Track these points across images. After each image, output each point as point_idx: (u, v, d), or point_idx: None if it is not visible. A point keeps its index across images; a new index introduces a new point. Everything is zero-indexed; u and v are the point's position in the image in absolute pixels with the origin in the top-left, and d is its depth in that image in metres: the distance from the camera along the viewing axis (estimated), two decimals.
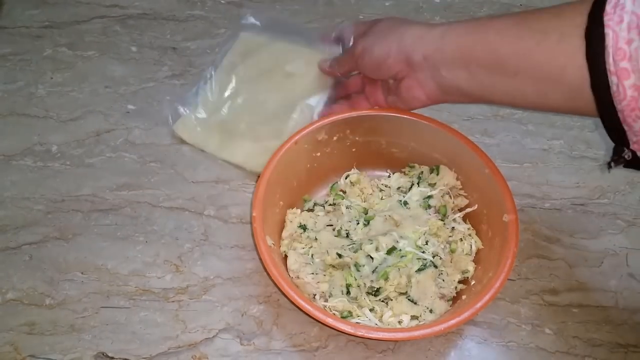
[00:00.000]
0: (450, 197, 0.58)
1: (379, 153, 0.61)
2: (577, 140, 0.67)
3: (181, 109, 0.66)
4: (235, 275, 0.57)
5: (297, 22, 0.76)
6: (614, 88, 0.39)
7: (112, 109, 0.69)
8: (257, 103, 0.66)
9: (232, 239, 0.59)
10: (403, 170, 0.61)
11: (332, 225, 0.57)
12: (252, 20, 0.71)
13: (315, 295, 0.53)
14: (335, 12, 0.80)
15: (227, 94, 0.67)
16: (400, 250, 0.53)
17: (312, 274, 0.53)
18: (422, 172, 0.59)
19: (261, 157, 0.59)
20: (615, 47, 0.38)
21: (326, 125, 0.58)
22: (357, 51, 0.54)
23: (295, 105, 0.64)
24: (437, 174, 0.58)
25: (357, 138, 0.60)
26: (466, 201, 0.58)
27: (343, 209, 0.58)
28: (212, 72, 0.68)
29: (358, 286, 0.52)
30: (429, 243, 0.54)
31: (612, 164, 0.43)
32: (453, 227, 0.56)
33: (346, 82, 0.62)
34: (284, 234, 0.57)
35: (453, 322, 0.47)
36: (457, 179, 0.58)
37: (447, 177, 0.58)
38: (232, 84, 0.67)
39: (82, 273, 0.56)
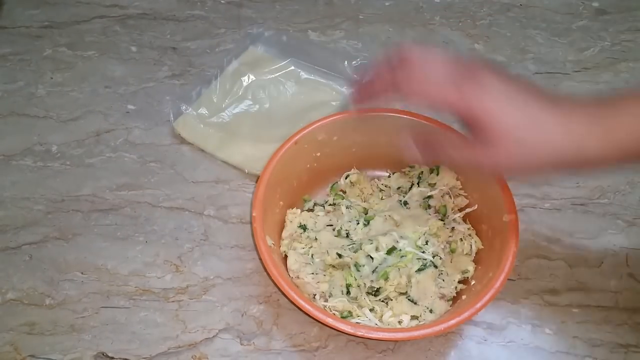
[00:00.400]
0: (450, 197, 0.58)
1: (379, 153, 0.61)
2: None
3: (183, 107, 0.66)
4: (235, 275, 0.57)
5: (305, 39, 0.76)
6: None
7: (112, 109, 0.69)
8: (262, 110, 0.67)
9: (232, 239, 0.59)
10: (403, 170, 0.61)
11: (332, 225, 0.57)
12: (260, 32, 0.73)
13: (315, 295, 0.53)
14: (335, 12, 0.80)
15: (231, 97, 0.68)
16: (400, 250, 0.53)
17: (312, 274, 0.53)
18: (422, 172, 0.59)
19: (260, 161, 0.60)
20: None
21: (326, 125, 0.58)
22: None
23: (302, 116, 0.65)
24: (437, 174, 0.58)
25: (357, 138, 0.60)
26: (466, 201, 0.58)
27: (343, 209, 0.58)
28: (218, 75, 0.69)
29: (358, 286, 0.52)
30: (429, 243, 0.54)
31: None
32: (453, 227, 0.56)
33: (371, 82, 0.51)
34: (284, 234, 0.57)
35: (453, 322, 0.47)
36: (457, 179, 0.58)
37: (447, 177, 0.58)
38: (238, 89, 0.68)
39: (82, 273, 0.56)
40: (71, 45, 0.75)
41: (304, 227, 0.57)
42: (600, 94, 0.71)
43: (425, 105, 0.47)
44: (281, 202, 0.57)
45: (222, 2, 0.80)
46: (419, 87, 0.45)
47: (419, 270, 0.52)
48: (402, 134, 0.49)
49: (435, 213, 0.57)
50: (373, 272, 0.52)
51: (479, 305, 0.47)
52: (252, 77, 0.69)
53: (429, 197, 0.57)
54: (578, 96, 0.45)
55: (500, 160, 0.44)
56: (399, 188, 0.59)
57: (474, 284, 0.53)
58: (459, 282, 0.53)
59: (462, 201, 0.58)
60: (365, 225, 0.56)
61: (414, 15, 0.80)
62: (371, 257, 0.53)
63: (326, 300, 0.52)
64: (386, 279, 0.51)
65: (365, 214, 0.57)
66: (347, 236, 0.56)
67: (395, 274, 0.52)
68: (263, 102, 0.68)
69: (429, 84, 0.45)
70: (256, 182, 0.57)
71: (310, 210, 0.59)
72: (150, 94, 0.70)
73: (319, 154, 0.59)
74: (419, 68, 0.45)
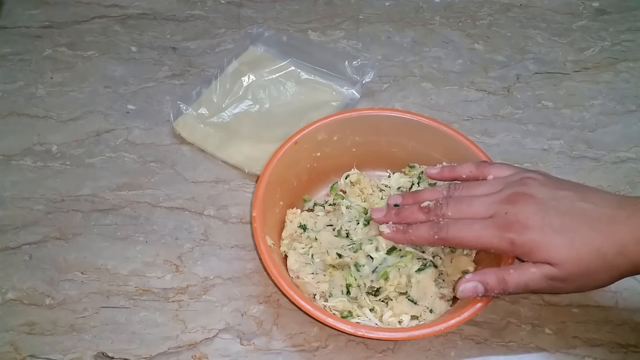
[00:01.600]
0: None
1: (379, 153, 0.61)
2: (577, 140, 0.67)
3: (183, 107, 0.66)
4: (235, 275, 0.57)
5: (305, 39, 0.76)
6: None
7: (112, 109, 0.69)
8: (262, 110, 0.68)
9: (232, 239, 0.59)
10: (403, 170, 0.61)
11: (332, 225, 0.57)
12: (260, 32, 0.73)
13: (315, 295, 0.53)
14: (335, 12, 0.80)
15: (231, 97, 0.68)
16: (400, 250, 0.53)
17: (312, 274, 0.53)
18: (422, 172, 0.59)
19: (260, 161, 0.60)
20: None
21: (326, 125, 0.58)
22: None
23: (302, 116, 0.65)
24: None
25: (357, 138, 0.60)
26: None
27: (343, 209, 0.58)
28: (218, 75, 0.69)
29: (358, 286, 0.52)
30: None
31: None
32: None
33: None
34: (284, 234, 0.57)
35: (453, 322, 0.47)
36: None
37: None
38: (238, 89, 0.68)
39: (82, 273, 0.56)
40: (71, 45, 0.75)
41: (304, 227, 0.57)
42: (600, 94, 0.71)
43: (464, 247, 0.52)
44: (281, 202, 0.57)
45: (222, 2, 0.80)
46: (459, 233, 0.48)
47: (419, 270, 0.52)
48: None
49: None
50: (373, 272, 0.52)
51: (479, 305, 0.47)
52: (252, 77, 0.69)
53: None
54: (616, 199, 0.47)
55: (569, 289, 0.47)
56: (399, 188, 0.59)
57: None
58: None
59: None
60: (365, 225, 0.56)
61: (414, 15, 0.80)
62: (371, 257, 0.53)
63: (326, 300, 0.52)
64: (386, 279, 0.51)
65: (365, 214, 0.57)
66: (347, 236, 0.56)
67: (395, 273, 0.52)
68: (263, 102, 0.68)
69: (470, 230, 0.47)
70: (256, 182, 0.57)
71: (310, 210, 0.59)
72: (150, 94, 0.70)
73: (319, 154, 0.59)
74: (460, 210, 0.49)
